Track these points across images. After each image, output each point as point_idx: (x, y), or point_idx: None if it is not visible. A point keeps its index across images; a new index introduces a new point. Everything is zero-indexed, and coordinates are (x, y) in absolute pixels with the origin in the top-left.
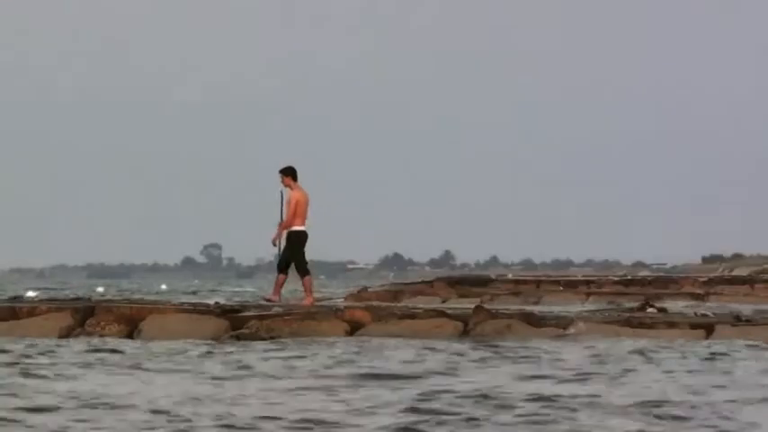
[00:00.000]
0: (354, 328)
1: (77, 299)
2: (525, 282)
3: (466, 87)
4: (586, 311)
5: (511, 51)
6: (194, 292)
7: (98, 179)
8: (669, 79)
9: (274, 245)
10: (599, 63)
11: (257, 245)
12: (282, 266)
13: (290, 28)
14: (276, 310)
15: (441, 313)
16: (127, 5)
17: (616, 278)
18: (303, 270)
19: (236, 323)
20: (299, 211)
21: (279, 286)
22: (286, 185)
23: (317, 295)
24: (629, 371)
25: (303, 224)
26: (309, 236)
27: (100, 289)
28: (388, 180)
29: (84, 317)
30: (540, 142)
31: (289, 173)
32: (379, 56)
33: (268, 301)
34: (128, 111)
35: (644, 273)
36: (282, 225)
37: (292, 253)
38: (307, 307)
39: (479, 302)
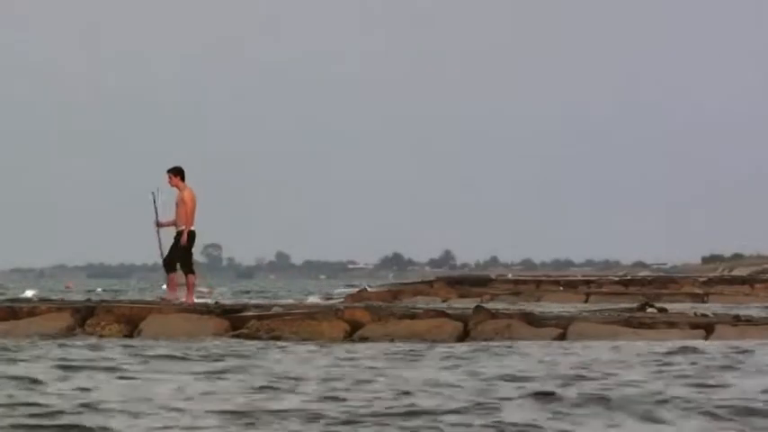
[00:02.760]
0: (354, 328)
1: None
2: (525, 282)
3: (465, 86)
4: (586, 311)
5: (509, 50)
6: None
7: (98, 179)
8: (668, 79)
9: (183, 244)
10: (597, 61)
11: (257, 245)
12: (179, 265)
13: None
14: (276, 310)
15: (441, 313)
16: None
17: (616, 278)
18: (189, 268)
19: (237, 323)
20: (190, 211)
21: (172, 282)
22: (174, 185)
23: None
24: None
25: (192, 224)
26: (198, 234)
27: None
28: (388, 180)
29: (84, 317)
30: (540, 141)
31: (177, 173)
32: (382, 52)
33: (164, 300)
34: (126, 111)
35: (644, 273)
36: (188, 224)
37: (179, 251)
38: (191, 305)
39: (479, 302)
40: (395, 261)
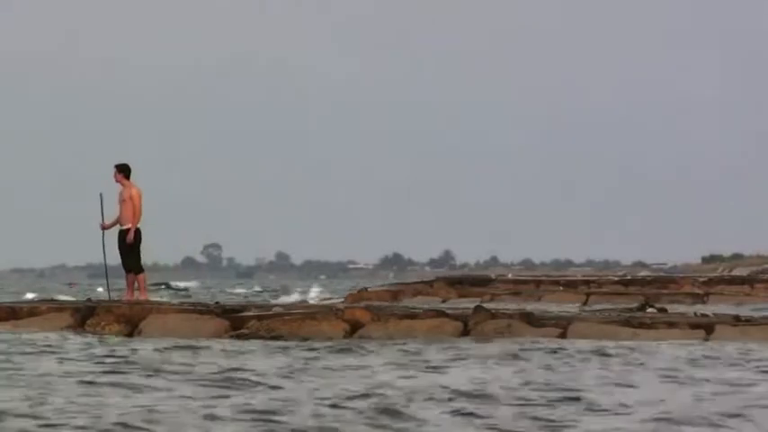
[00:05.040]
0: (354, 328)
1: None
2: (525, 282)
3: (465, 85)
4: (586, 311)
5: (507, 49)
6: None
7: (97, 179)
8: (669, 79)
9: (130, 242)
10: (597, 61)
11: (257, 245)
12: (134, 265)
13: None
14: (276, 309)
15: (441, 313)
16: None
17: (616, 278)
18: (139, 267)
19: (236, 323)
20: (138, 209)
21: (142, 284)
22: (118, 181)
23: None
24: None
25: (139, 222)
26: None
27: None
28: (387, 180)
29: (84, 317)
30: (541, 142)
31: (122, 170)
32: (379, 51)
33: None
34: (125, 111)
35: (644, 273)
36: (135, 222)
37: (134, 250)
38: (142, 302)
39: (479, 302)
40: (395, 261)
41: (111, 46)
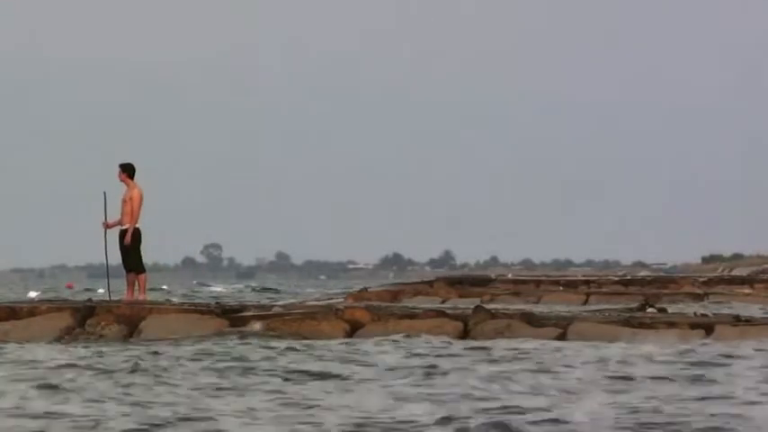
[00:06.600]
0: (354, 328)
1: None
2: (525, 282)
3: (465, 86)
4: (586, 311)
5: (509, 50)
6: None
7: (97, 179)
8: (669, 77)
9: (126, 243)
10: (597, 61)
11: (257, 245)
12: (134, 265)
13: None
14: (276, 309)
15: (441, 313)
16: None
17: (616, 278)
18: (141, 267)
19: (237, 323)
20: (136, 209)
21: (143, 285)
22: (122, 181)
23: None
24: None
25: (137, 222)
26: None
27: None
28: (387, 180)
29: (84, 317)
30: (540, 142)
31: (127, 169)
32: (370, 55)
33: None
34: (126, 112)
35: (644, 273)
36: (132, 222)
37: (135, 250)
38: (141, 302)
39: (479, 302)
40: (395, 261)
41: (110, 45)
